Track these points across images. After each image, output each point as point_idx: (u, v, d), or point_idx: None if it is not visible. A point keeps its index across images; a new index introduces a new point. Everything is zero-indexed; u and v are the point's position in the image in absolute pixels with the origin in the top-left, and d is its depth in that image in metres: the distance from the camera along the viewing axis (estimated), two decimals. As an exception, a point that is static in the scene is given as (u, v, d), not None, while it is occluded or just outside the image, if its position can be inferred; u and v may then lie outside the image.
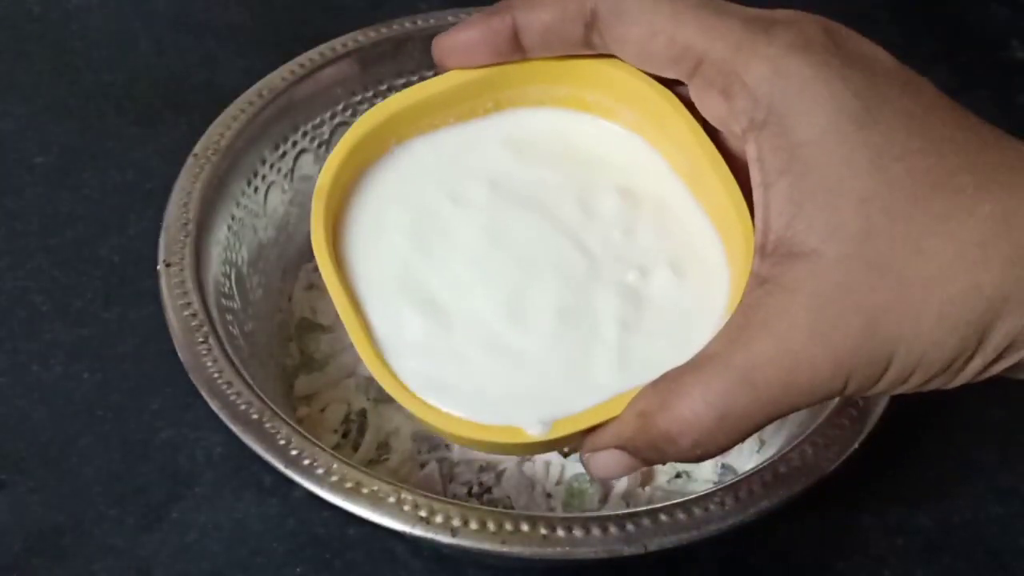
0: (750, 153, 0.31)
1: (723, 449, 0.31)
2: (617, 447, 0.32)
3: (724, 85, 0.31)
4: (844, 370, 0.29)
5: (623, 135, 0.37)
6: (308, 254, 0.54)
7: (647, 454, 0.31)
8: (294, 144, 0.52)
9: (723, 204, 0.34)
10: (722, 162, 0.34)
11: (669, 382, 0.31)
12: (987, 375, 0.30)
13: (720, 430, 0.30)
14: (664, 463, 0.32)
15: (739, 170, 0.33)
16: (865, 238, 0.29)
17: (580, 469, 0.47)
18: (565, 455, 0.47)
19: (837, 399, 0.42)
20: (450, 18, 0.54)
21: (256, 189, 0.50)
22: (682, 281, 0.34)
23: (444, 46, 0.35)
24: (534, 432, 0.32)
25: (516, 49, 0.35)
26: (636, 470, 0.33)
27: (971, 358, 0.29)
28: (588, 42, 0.34)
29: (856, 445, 0.41)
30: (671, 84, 0.34)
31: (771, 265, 0.30)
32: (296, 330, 0.52)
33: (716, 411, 0.30)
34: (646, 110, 0.36)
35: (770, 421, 0.30)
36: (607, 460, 0.32)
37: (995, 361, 0.30)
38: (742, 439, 0.31)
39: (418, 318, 0.34)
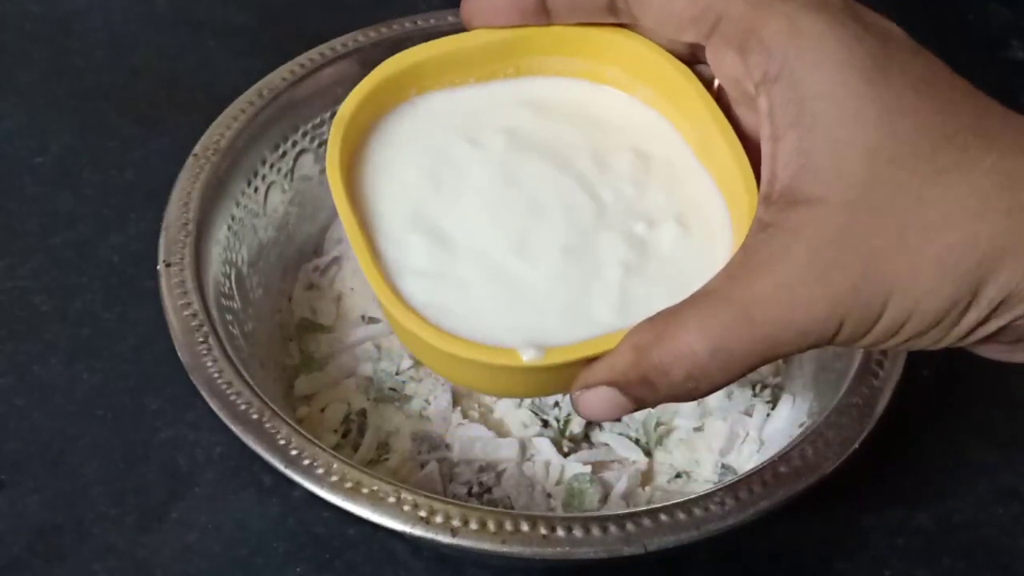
0: (761, 108, 0.31)
1: (716, 386, 0.31)
2: (609, 383, 0.32)
3: (741, 41, 0.32)
4: (840, 311, 0.30)
5: (638, 106, 0.38)
6: (308, 254, 0.54)
7: (639, 391, 0.31)
8: (294, 144, 0.52)
9: (732, 173, 0.34)
10: (733, 134, 0.34)
11: (666, 316, 0.31)
12: (981, 333, 0.31)
13: (714, 364, 0.30)
14: (655, 404, 0.32)
15: (750, 149, 0.34)
16: (869, 186, 0.29)
17: (580, 469, 0.47)
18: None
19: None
20: (450, 18, 0.54)
21: (256, 189, 0.50)
22: (687, 237, 0.35)
23: (472, 5, 0.36)
24: (528, 356, 0.32)
25: (541, 12, 0.35)
26: (626, 412, 0.32)
27: (966, 310, 0.30)
28: (612, 7, 0.35)
29: (856, 445, 0.41)
30: (687, 62, 0.36)
31: (775, 212, 0.31)
32: (296, 330, 0.52)
33: (712, 344, 0.30)
34: (661, 83, 0.36)
35: (763, 361, 0.31)
36: (597, 398, 0.32)
37: (989, 317, 0.30)
38: (735, 377, 0.31)
39: (425, 245, 0.34)
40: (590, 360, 0.32)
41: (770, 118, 0.31)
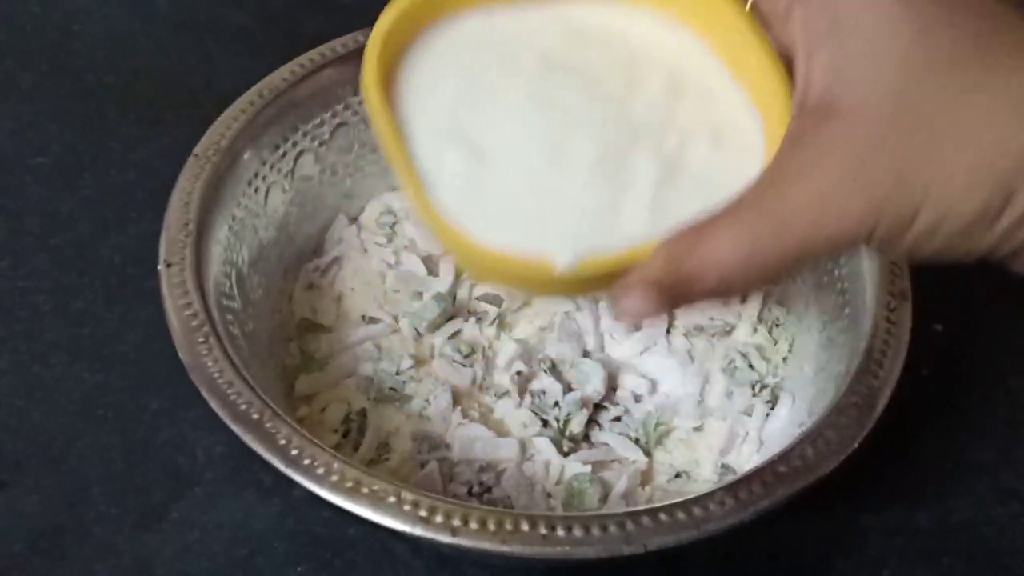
0: (795, 22, 0.32)
1: (750, 286, 0.33)
2: (645, 287, 0.33)
3: None
4: (873, 217, 0.30)
5: (673, 27, 0.38)
6: (309, 254, 0.54)
7: (674, 294, 0.33)
8: (294, 144, 0.52)
9: (767, 88, 0.35)
10: (770, 47, 0.35)
11: (699, 226, 0.32)
12: (1014, 242, 0.31)
13: (747, 268, 0.31)
14: (690, 304, 0.35)
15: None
16: (902, 96, 0.30)
17: (580, 469, 0.47)
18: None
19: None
20: (450, 18, 0.54)
21: (256, 189, 0.50)
22: (720, 151, 0.36)
23: None
24: (563, 262, 0.33)
25: None
26: (662, 312, 0.35)
27: (998, 217, 0.30)
28: None
29: (856, 445, 0.41)
30: None
31: (808, 124, 0.31)
32: (296, 330, 0.52)
33: (744, 253, 0.31)
34: (697, 3, 0.37)
35: (796, 264, 0.32)
36: (635, 299, 0.33)
37: (1021, 224, 0.31)
38: (769, 281, 0.33)
39: (460, 156, 0.35)
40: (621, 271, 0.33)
41: (804, 32, 0.32)
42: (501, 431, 0.49)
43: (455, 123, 0.36)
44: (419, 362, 0.51)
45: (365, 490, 0.38)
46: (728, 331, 0.53)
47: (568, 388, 0.50)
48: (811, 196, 0.31)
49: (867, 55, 0.31)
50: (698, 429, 0.50)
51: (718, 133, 0.36)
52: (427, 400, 0.49)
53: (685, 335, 0.52)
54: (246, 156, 0.50)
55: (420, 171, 0.35)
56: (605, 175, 0.35)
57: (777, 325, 0.53)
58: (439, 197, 0.35)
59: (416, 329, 0.51)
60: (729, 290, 0.32)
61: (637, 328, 0.52)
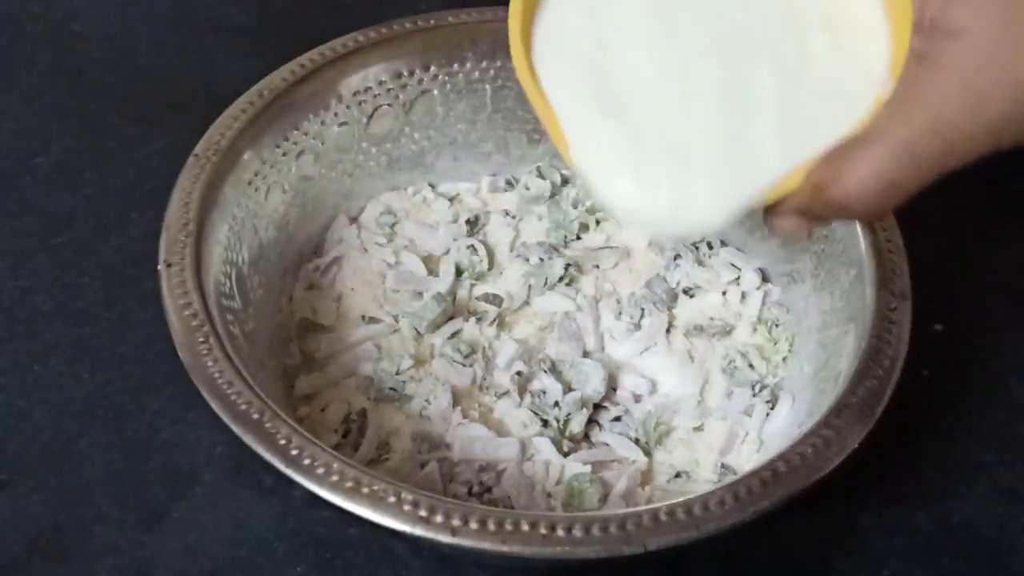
0: None
1: (889, 208, 0.35)
2: (797, 212, 0.37)
3: None
4: (994, 135, 0.33)
5: None
6: (308, 254, 0.54)
7: (822, 216, 0.37)
8: (294, 144, 0.52)
9: None
10: None
11: (840, 157, 0.35)
12: None
13: (886, 194, 0.34)
14: (837, 220, 0.44)
15: None
16: (1010, 13, 0.32)
17: (580, 469, 0.47)
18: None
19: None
20: (450, 19, 0.54)
21: (256, 189, 0.50)
22: (838, 49, 0.37)
23: None
24: (712, 225, 0.37)
25: None
26: (811, 228, 0.39)
27: None
28: None
29: (856, 445, 0.41)
30: None
31: (928, 41, 0.33)
32: (296, 330, 0.52)
33: (883, 180, 0.34)
34: None
35: (929, 182, 0.34)
36: (788, 222, 0.37)
37: None
38: (906, 199, 0.35)
39: (601, 115, 0.37)
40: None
41: None
42: (501, 431, 0.49)
43: (591, 77, 0.38)
44: (419, 362, 0.51)
45: (365, 490, 0.38)
46: (728, 331, 0.53)
47: (568, 388, 0.50)
48: (937, 121, 0.33)
49: None
50: (698, 429, 0.50)
51: (835, 24, 0.37)
52: (427, 400, 0.49)
53: (685, 335, 0.53)
54: (246, 156, 0.50)
55: (568, 131, 0.37)
56: (732, 102, 0.37)
57: (777, 325, 0.53)
58: (592, 157, 0.37)
59: (416, 329, 0.51)
60: (872, 213, 0.37)
61: (638, 328, 0.52)
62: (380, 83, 0.54)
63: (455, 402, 0.49)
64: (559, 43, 0.38)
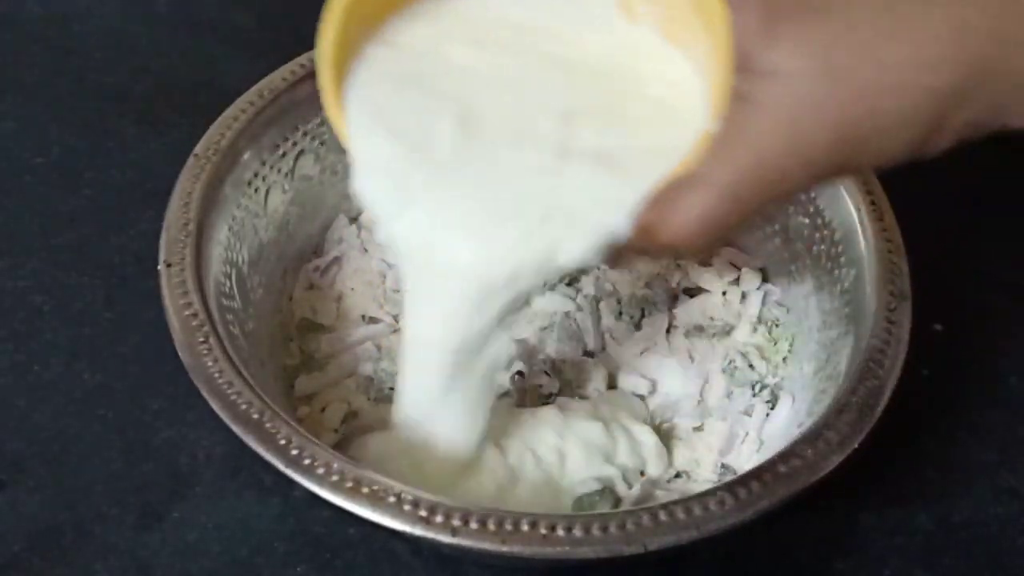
0: None
1: (712, 241, 0.36)
2: (634, 256, 0.39)
3: None
4: (815, 172, 0.34)
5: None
6: (308, 254, 0.54)
7: (659, 256, 0.42)
8: (294, 144, 0.52)
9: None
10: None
11: (666, 200, 0.35)
12: (952, 145, 0.34)
13: (711, 232, 0.35)
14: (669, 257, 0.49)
15: None
16: (828, 51, 0.32)
17: (590, 487, 0.46)
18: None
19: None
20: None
21: (256, 189, 0.50)
22: (658, 96, 0.37)
23: None
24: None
25: None
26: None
27: (928, 141, 0.33)
28: None
29: (856, 445, 0.41)
30: None
31: (748, 83, 0.33)
32: (296, 330, 0.52)
33: (706, 222, 0.34)
34: None
35: (757, 215, 0.36)
36: (627, 261, 0.42)
37: (957, 140, 0.34)
38: (736, 230, 0.37)
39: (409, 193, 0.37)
40: None
41: None
42: (501, 431, 0.49)
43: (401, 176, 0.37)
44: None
45: (365, 490, 0.38)
46: (728, 331, 0.53)
47: (568, 388, 0.50)
48: (759, 164, 0.33)
49: (792, 10, 0.32)
50: (698, 429, 0.50)
51: (653, 72, 0.37)
52: (427, 400, 0.49)
53: (685, 335, 0.52)
54: (246, 156, 0.50)
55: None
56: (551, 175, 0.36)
57: (777, 325, 0.53)
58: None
59: (416, 329, 0.51)
60: (698, 249, 0.40)
61: (638, 328, 0.52)
62: (380, 83, 0.54)
63: (455, 402, 0.49)
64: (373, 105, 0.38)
